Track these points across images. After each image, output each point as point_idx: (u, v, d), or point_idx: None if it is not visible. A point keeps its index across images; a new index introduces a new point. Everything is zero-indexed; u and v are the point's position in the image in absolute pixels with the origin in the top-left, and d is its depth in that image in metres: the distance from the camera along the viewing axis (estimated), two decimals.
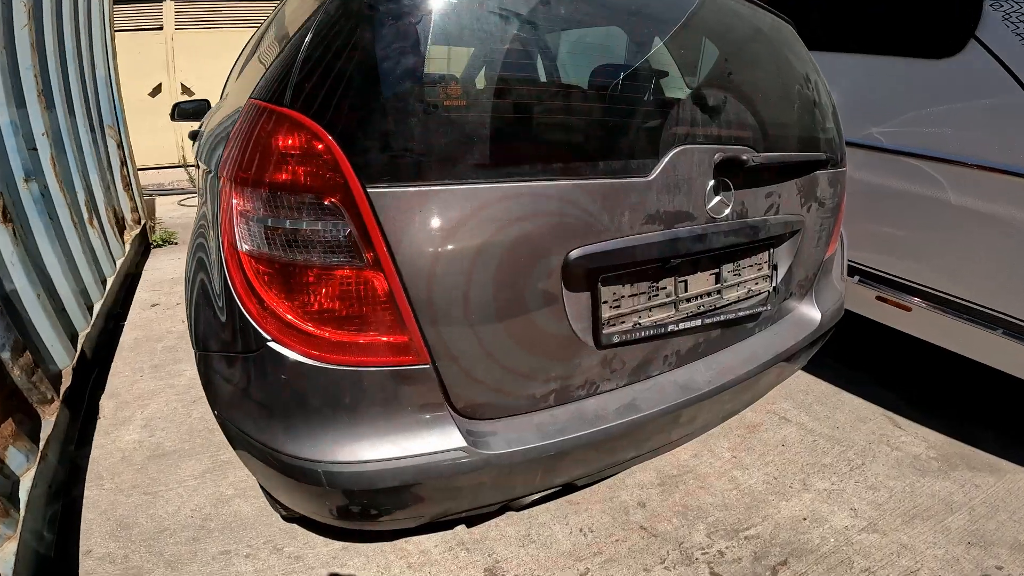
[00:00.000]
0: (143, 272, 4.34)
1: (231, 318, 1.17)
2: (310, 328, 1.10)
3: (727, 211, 1.45)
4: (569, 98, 1.32)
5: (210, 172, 1.44)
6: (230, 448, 2.23)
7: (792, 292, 1.80)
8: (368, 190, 1.05)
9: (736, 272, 1.57)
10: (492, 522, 1.87)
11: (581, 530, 1.85)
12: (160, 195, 6.94)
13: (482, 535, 1.82)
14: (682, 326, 1.44)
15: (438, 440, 1.20)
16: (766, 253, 1.66)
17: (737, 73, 1.53)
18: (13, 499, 1.56)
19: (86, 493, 1.94)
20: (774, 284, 1.68)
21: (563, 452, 1.29)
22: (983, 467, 2.11)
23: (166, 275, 4.27)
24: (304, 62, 1.09)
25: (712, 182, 1.40)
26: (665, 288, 1.43)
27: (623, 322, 1.37)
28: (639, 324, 1.39)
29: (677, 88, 1.40)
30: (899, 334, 2.32)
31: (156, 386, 2.65)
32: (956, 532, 1.81)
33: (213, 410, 1.34)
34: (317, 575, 1.65)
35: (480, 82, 1.21)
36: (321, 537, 1.77)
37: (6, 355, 1.79)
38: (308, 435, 1.16)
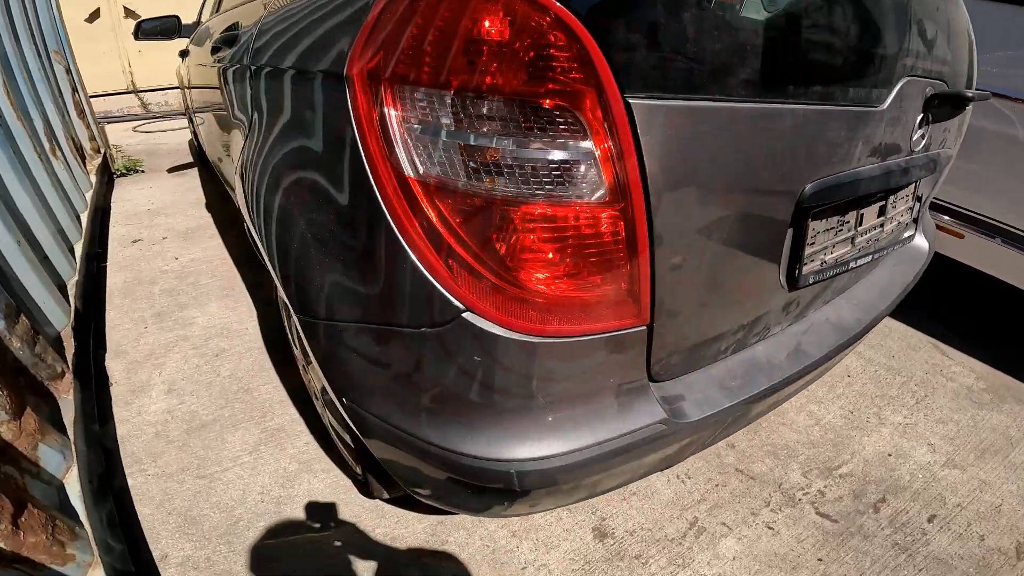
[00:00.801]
0: (112, 204, 3.62)
1: (394, 279, 0.78)
2: (529, 293, 0.73)
3: (922, 144, 1.20)
4: (832, 14, 0.95)
5: (285, 71, 1.00)
6: (277, 413, 1.82)
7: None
8: (629, 100, 0.66)
9: (894, 204, 1.30)
10: None
11: (679, 477, 1.61)
12: (110, 123, 5.88)
13: None
14: (859, 263, 1.18)
15: (639, 416, 0.89)
16: (914, 184, 1.39)
17: (941, 7, 1.23)
18: (69, 512, 1.14)
19: (130, 482, 1.51)
20: (914, 215, 1.42)
21: (745, 410, 1.03)
22: None
23: (140, 206, 3.58)
24: None
25: (921, 115, 1.15)
26: (848, 222, 1.14)
27: (813, 260, 1.08)
28: (825, 262, 1.11)
29: (906, 16, 1.08)
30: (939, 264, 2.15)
31: (167, 339, 2.15)
32: (1021, 467, 1.70)
33: (339, 396, 0.95)
34: (420, 556, 1.34)
35: None
36: (412, 513, 1.45)
37: (0, 324, 1.28)
38: (497, 429, 0.82)
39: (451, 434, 0.82)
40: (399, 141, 0.71)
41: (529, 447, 0.82)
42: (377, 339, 0.85)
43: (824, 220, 1.05)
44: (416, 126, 0.71)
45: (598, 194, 0.70)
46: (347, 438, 1.26)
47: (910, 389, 1.98)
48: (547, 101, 0.65)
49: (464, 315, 0.74)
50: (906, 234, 1.39)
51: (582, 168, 0.68)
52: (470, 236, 0.71)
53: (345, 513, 1.44)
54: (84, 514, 1.19)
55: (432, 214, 0.71)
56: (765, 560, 1.40)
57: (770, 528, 1.48)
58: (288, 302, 1.05)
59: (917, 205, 1.41)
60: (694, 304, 0.88)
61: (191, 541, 1.36)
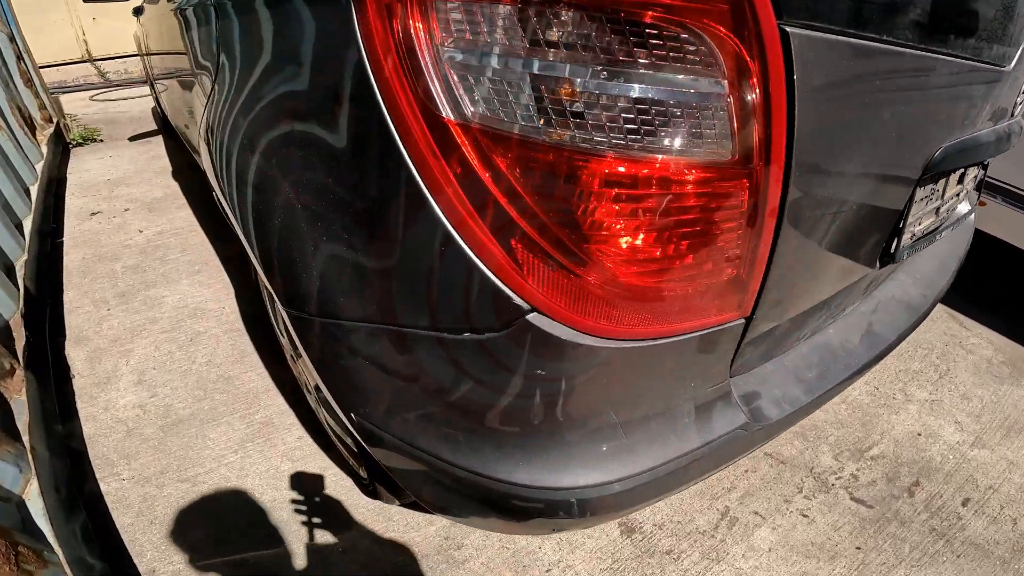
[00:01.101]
0: (68, 176, 3.28)
1: (425, 265, 0.59)
2: (620, 286, 0.55)
3: (1020, 109, 1.06)
4: None
5: None
6: (263, 405, 1.58)
7: None
8: (786, 28, 0.47)
9: (968, 172, 1.14)
10: None
11: None
12: (65, 92, 5.41)
13: None
14: (941, 235, 1.03)
15: (718, 423, 0.74)
16: None
17: None
18: (33, 532, 0.95)
19: (104, 488, 1.31)
20: (977, 184, 1.27)
21: (820, 403, 0.89)
22: None
23: (99, 176, 3.25)
24: None
25: None
26: (938, 190, 0.99)
27: (906, 233, 0.92)
28: (914, 234, 0.94)
29: None
30: None
31: (133, 322, 1.91)
32: None
33: (346, 411, 0.76)
34: (434, 562, 1.19)
35: None
36: (421, 514, 1.29)
37: None
38: (557, 454, 0.65)
39: (497, 460, 0.65)
40: (432, 72, 0.51)
41: (594, 472, 0.65)
42: (398, 345, 0.65)
43: (923, 188, 0.89)
44: (457, 52, 0.51)
45: (723, 152, 0.51)
46: (349, 442, 1.08)
47: (932, 362, 1.89)
48: (655, 16, 0.46)
49: (529, 316, 0.55)
50: (970, 204, 1.25)
51: (706, 116, 0.49)
52: (543, 206, 0.51)
53: (348, 517, 1.27)
54: (51, 533, 1.00)
55: (484, 173, 0.51)
56: (802, 550, 1.29)
57: (805, 516, 1.37)
58: (272, 292, 0.84)
59: (983, 173, 1.27)
60: (797, 289, 0.71)
61: (180, 553, 1.18)
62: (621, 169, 0.50)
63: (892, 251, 0.85)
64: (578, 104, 0.48)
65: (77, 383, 1.62)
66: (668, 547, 1.28)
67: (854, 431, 1.60)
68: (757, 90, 0.49)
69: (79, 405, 1.55)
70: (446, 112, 0.52)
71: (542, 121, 0.49)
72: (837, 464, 1.50)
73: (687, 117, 0.49)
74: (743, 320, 0.65)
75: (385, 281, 0.63)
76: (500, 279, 0.55)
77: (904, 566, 1.27)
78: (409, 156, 0.55)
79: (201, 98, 1.17)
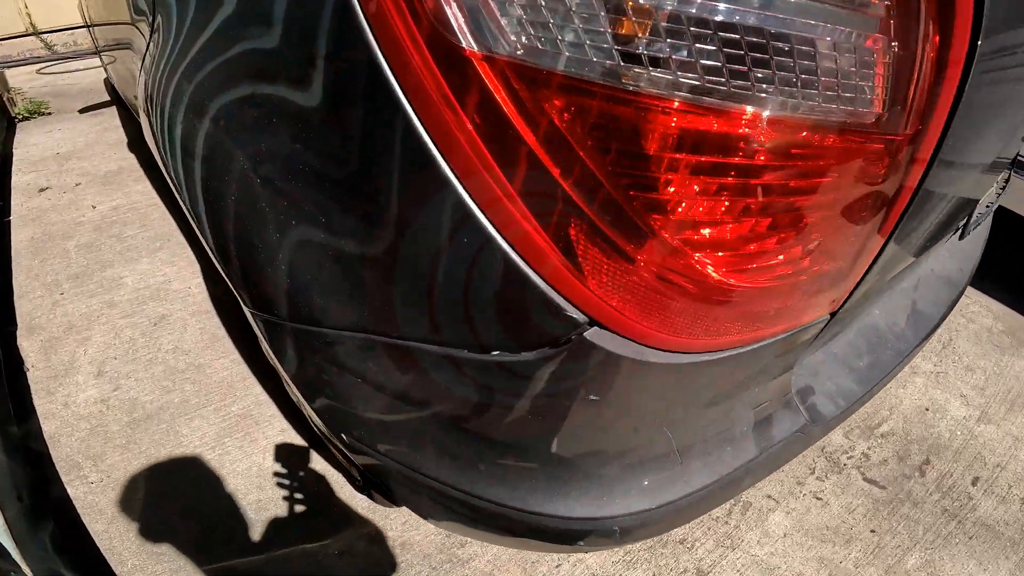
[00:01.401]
0: (14, 151, 3.00)
1: (432, 262, 0.45)
2: (710, 289, 0.42)
3: None
4: None
5: None
6: (239, 395, 1.43)
7: None
8: None
9: None
10: None
11: None
12: (9, 67, 4.99)
13: None
14: (993, 207, 0.96)
15: (778, 428, 0.66)
16: None
17: None
18: None
19: (72, 493, 1.18)
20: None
21: (872, 394, 0.82)
22: None
23: (48, 151, 2.99)
24: None
25: None
26: None
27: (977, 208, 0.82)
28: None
29: None
30: None
31: (89, 307, 1.75)
32: None
33: (336, 432, 0.64)
34: (437, 563, 1.10)
35: None
36: None
37: None
38: (597, 485, 0.54)
39: (528, 492, 0.54)
40: None
41: (640, 501, 0.55)
42: (399, 362, 0.51)
43: None
44: None
45: (865, 114, 0.38)
46: (339, 444, 0.97)
47: (935, 332, 1.85)
48: None
49: (588, 333, 0.42)
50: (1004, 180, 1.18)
51: (854, 63, 0.37)
52: (614, 180, 0.38)
53: (342, 516, 1.17)
54: (16, 551, 0.88)
55: (526, 129, 0.38)
56: (816, 535, 1.25)
57: (818, 499, 1.32)
58: (234, 290, 0.69)
59: None
60: (883, 275, 0.60)
61: (163, 562, 1.07)
62: (724, 130, 0.37)
63: (966, 225, 0.76)
64: (667, 35, 0.35)
65: (32, 376, 1.46)
66: (681, 536, 1.23)
67: (863, 406, 1.56)
68: (930, 38, 0.37)
69: (36, 401, 1.40)
70: (467, 42, 0.36)
71: (615, 57, 0.36)
72: (848, 443, 1.46)
73: (824, 62, 0.36)
74: (828, 317, 0.55)
75: (380, 280, 0.48)
76: (548, 283, 0.41)
77: (919, 549, 1.24)
78: (412, 107, 0.39)
79: (139, 55, 0.99)
